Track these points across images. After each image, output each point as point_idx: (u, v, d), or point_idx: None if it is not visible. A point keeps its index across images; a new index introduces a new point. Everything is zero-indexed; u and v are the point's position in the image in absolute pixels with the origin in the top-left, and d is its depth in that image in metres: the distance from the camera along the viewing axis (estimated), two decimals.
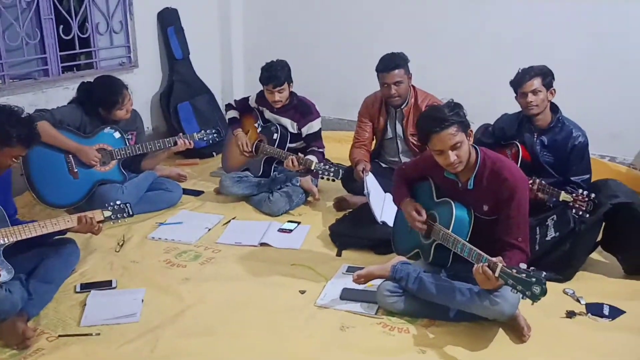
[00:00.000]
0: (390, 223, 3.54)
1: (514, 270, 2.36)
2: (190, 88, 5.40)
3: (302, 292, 3.07)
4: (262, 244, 3.60)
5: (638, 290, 3.11)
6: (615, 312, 2.89)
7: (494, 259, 2.46)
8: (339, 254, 3.51)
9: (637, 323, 2.81)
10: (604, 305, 2.94)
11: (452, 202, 2.83)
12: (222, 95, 5.92)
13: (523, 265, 2.39)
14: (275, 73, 4.05)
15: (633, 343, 2.68)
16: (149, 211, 4.03)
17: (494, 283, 2.45)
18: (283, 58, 4.26)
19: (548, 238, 3.26)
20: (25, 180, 3.71)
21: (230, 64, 5.89)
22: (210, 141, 4.20)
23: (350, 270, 3.26)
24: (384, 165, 4.29)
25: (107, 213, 3.03)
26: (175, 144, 4.04)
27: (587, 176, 3.55)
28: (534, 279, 2.28)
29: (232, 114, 4.48)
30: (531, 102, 3.49)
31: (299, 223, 3.90)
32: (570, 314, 2.87)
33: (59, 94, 4.41)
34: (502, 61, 4.83)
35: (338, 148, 5.16)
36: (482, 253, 2.54)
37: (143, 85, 5.13)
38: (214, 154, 5.21)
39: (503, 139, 3.76)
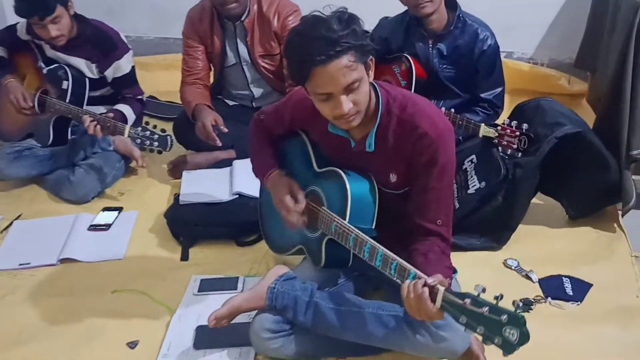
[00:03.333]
0: (250, 192, 2.48)
1: (467, 300, 1.39)
2: None
3: (132, 345, 1.94)
4: (64, 261, 2.37)
5: (594, 243, 2.34)
6: (580, 288, 2.10)
7: (430, 279, 1.47)
8: (184, 257, 2.37)
9: (613, 301, 2.04)
10: (563, 279, 2.14)
11: (344, 173, 1.80)
12: None
13: (479, 288, 1.44)
14: None
15: (622, 340, 1.90)
16: None
17: (434, 314, 1.48)
18: None
19: (471, 190, 2.36)
20: None
21: None
22: None
23: (205, 286, 2.17)
24: (230, 102, 3.12)
25: None
26: None
27: (500, 89, 2.70)
28: (505, 316, 1.32)
29: None
30: None
31: (120, 210, 2.68)
32: (525, 304, 2.03)
33: None
34: None
35: (168, 78, 3.81)
36: (407, 265, 1.56)
37: None
38: None
39: (387, 52, 2.76)
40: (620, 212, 2.42)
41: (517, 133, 2.26)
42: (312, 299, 1.80)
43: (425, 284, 1.46)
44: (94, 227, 2.55)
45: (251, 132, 2.10)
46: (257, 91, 3.04)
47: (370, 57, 1.63)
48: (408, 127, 1.69)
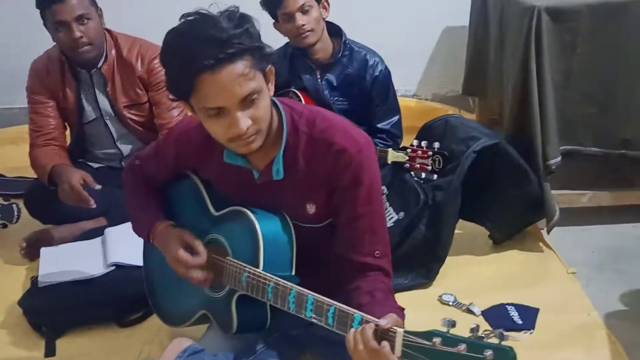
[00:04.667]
0: (130, 261, 2.04)
1: (437, 340, 1.09)
2: None
3: None
4: None
5: (525, 265, 2.15)
6: (528, 315, 1.86)
7: (383, 321, 1.16)
8: (49, 353, 1.85)
9: (566, 322, 1.83)
10: (507, 308, 1.89)
11: (249, 211, 1.45)
12: None
13: (447, 322, 1.15)
14: None
15: None
16: None
17: None
18: None
19: (389, 224, 2.08)
20: None
21: None
22: None
23: None
24: (95, 165, 2.66)
25: None
26: None
27: (397, 117, 2.54)
28: (489, 352, 1.03)
29: None
30: (303, 26, 2.28)
31: None
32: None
33: None
34: None
35: (16, 153, 3.32)
36: (349, 309, 1.24)
37: None
38: None
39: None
40: (543, 231, 2.26)
41: (430, 153, 2.05)
42: None
43: (377, 328, 1.14)
44: None
45: (125, 183, 1.72)
46: (125, 148, 2.61)
47: (270, 65, 1.33)
48: (321, 145, 1.40)
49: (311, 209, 1.46)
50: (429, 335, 1.10)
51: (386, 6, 3.44)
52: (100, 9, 2.38)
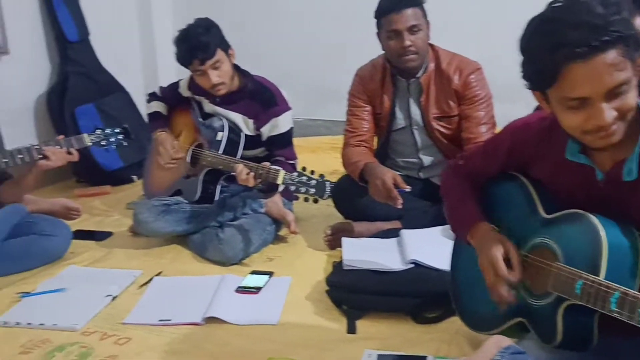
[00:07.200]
0: (427, 261, 2.05)
1: None
2: (95, 83, 3.71)
3: None
4: (209, 321, 1.99)
5: None
6: None
7: None
8: (351, 330, 1.92)
9: None
10: None
11: (591, 216, 1.32)
12: (147, 91, 4.25)
13: None
14: (197, 40, 2.46)
15: None
16: (16, 271, 2.37)
17: None
18: (229, 30, 2.67)
19: None
20: None
21: (152, 46, 4.23)
22: (114, 145, 2.58)
23: None
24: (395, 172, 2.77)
25: None
26: (43, 156, 2.35)
27: None
28: None
29: (155, 106, 2.85)
30: None
31: (271, 274, 2.30)
32: None
33: None
34: None
35: (313, 160, 3.58)
36: None
37: (19, 79, 3.42)
38: (135, 178, 3.59)
39: None
40: None
41: None
42: None
43: None
44: (242, 290, 2.18)
45: (446, 181, 1.73)
46: (426, 159, 2.67)
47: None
48: None
49: None
50: None
51: None
52: (429, 22, 2.49)
